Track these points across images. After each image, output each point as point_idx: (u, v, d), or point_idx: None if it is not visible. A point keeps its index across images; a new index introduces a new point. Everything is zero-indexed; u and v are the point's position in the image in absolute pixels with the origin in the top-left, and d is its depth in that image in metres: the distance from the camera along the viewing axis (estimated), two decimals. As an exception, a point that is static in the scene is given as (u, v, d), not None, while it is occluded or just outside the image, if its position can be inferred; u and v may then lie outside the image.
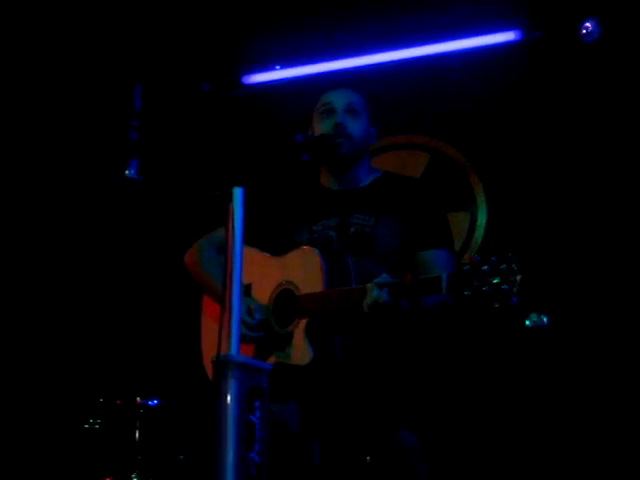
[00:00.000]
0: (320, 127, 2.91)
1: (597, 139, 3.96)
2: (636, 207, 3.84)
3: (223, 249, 2.77)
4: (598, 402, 3.72)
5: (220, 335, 2.08)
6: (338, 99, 2.93)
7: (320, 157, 2.92)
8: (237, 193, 2.20)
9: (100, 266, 4.57)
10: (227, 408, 2.03)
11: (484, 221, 4.23)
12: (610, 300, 3.79)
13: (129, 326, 4.49)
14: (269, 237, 2.93)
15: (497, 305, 2.25)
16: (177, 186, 4.54)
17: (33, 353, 4.36)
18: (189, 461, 3.83)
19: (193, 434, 3.89)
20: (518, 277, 2.23)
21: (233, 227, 2.16)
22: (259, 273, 2.83)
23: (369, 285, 2.51)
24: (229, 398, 2.04)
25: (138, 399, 3.77)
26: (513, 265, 2.24)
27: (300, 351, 2.66)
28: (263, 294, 2.84)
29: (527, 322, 3.79)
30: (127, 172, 2.61)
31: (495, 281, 2.24)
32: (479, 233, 4.22)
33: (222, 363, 2.06)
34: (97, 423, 3.84)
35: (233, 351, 2.09)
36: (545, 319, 3.78)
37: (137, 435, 3.74)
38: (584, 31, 3.93)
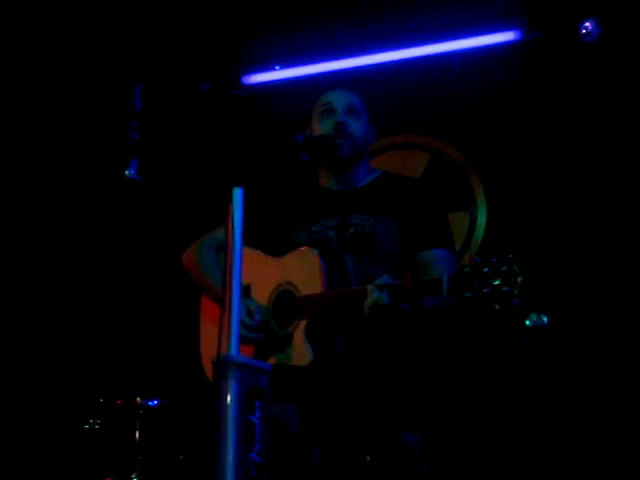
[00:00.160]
0: (320, 127, 2.91)
1: (597, 139, 3.97)
2: (636, 207, 3.84)
3: (222, 249, 2.78)
4: (598, 402, 3.72)
5: (220, 335, 2.08)
6: (338, 99, 2.93)
7: (320, 157, 2.92)
8: (237, 193, 2.20)
9: (100, 266, 4.57)
10: (227, 408, 2.03)
11: (484, 221, 4.23)
12: (610, 300, 3.79)
13: (129, 326, 4.49)
14: (268, 238, 2.93)
15: (498, 307, 2.25)
16: (177, 186, 4.54)
17: (33, 353, 4.36)
18: (189, 461, 3.83)
19: (193, 434, 3.89)
20: (519, 279, 2.23)
21: (233, 227, 2.16)
22: (258, 274, 2.83)
23: (369, 286, 2.51)
24: (229, 398, 2.04)
25: (138, 399, 3.78)
26: (514, 267, 2.24)
27: (300, 352, 2.66)
28: (262, 295, 2.83)
29: (527, 322, 3.79)
30: (127, 172, 2.61)
31: (496, 283, 2.24)
32: (479, 233, 4.22)
33: (222, 363, 2.06)
34: (97, 423, 3.84)
35: (233, 351, 2.09)
36: (545, 319, 3.78)
37: (137, 435, 3.74)
38: (584, 31, 3.93)
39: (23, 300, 4.39)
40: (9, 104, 4.40)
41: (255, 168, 2.33)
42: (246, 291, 2.83)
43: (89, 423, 3.85)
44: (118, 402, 3.81)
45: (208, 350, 2.93)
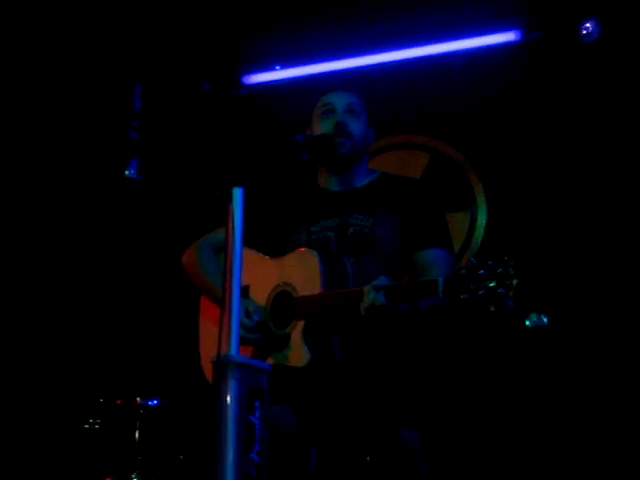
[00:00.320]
0: (320, 127, 2.91)
1: (597, 139, 3.96)
2: (636, 207, 3.84)
3: (222, 250, 2.79)
4: (598, 402, 3.72)
5: (220, 336, 2.08)
6: (338, 100, 2.94)
7: (319, 157, 2.92)
8: (237, 193, 2.20)
9: (100, 266, 4.57)
10: (227, 408, 2.03)
11: (484, 221, 4.23)
12: (610, 300, 3.79)
13: (129, 326, 4.49)
14: (268, 239, 2.93)
15: (493, 309, 2.25)
16: (177, 186, 4.54)
17: (33, 353, 4.36)
18: (189, 461, 3.83)
19: (193, 434, 3.89)
20: (514, 281, 2.23)
21: (233, 227, 2.16)
22: (257, 275, 2.83)
23: (366, 287, 2.51)
24: (229, 398, 2.04)
25: (138, 399, 3.78)
26: (510, 269, 2.24)
27: (297, 353, 2.66)
28: (261, 296, 2.83)
29: (527, 322, 3.79)
30: (127, 172, 2.61)
31: (491, 285, 2.24)
32: (479, 233, 4.22)
33: (222, 363, 2.06)
34: (97, 423, 3.84)
35: (233, 351, 2.09)
36: (545, 319, 3.78)
37: (137, 435, 3.74)
38: (584, 31, 3.93)
39: (23, 300, 4.39)
40: (9, 104, 4.40)
41: (255, 168, 2.33)
42: (245, 292, 2.83)
43: (89, 423, 3.85)
44: (118, 402, 3.81)
45: (207, 351, 2.93)
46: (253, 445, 2.06)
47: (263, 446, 2.07)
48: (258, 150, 4.34)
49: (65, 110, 4.51)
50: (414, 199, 2.86)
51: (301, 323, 2.68)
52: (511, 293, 2.23)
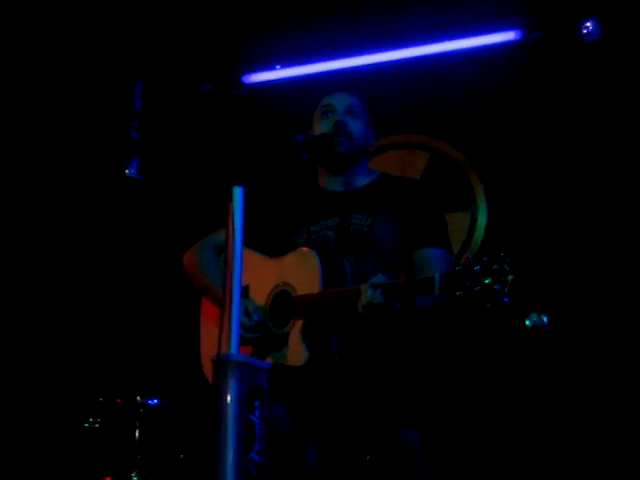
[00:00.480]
0: (320, 127, 2.93)
1: (597, 139, 3.96)
2: (636, 206, 3.84)
3: (222, 251, 2.79)
4: (598, 401, 3.72)
5: (220, 335, 2.08)
6: (338, 101, 2.96)
7: (319, 157, 2.93)
8: (237, 193, 2.20)
9: (100, 265, 4.57)
10: (227, 407, 2.03)
11: (484, 221, 4.23)
12: (610, 300, 3.79)
13: (129, 325, 4.50)
14: (268, 239, 2.94)
15: (489, 305, 2.25)
16: (177, 186, 4.54)
17: (33, 352, 4.36)
18: (189, 460, 3.83)
19: (193, 433, 3.89)
20: (509, 277, 2.23)
21: (233, 227, 2.16)
22: (257, 275, 2.83)
23: (363, 286, 2.51)
24: (229, 397, 2.04)
25: (138, 398, 3.78)
26: (505, 265, 2.24)
27: (296, 352, 2.67)
28: (261, 296, 2.84)
29: (527, 322, 3.79)
30: (127, 171, 2.61)
31: (487, 281, 2.24)
32: (479, 233, 4.22)
33: (222, 362, 2.07)
34: (97, 422, 3.84)
35: (233, 351, 2.09)
36: (545, 319, 3.78)
37: (137, 434, 3.74)
38: (584, 31, 3.93)
39: (23, 299, 4.39)
40: (9, 103, 4.40)
41: (255, 168, 2.33)
42: (245, 292, 2.84)
43: (89, 422, 3.85)
44: (118, 401, 3.81)
45: (208, 350, 2.94)
46: (253, 444, 2.06)
47: (263, 445, 2.07)
48: (258, 150, 4.34)
49: (66, 109, 4.51)
50: (413, 199, 2.86)
51: (300, 322, 2.68)
52: (506, 289, 2.23)
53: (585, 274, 3.86)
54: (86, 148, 4.53)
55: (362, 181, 2.96)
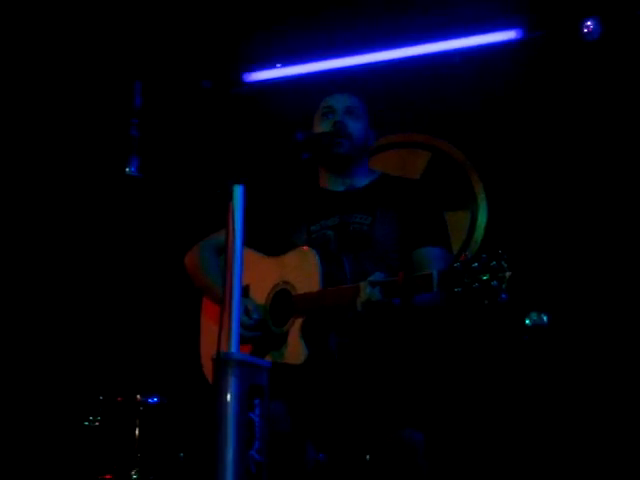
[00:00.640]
0: (320, 128, 2.94)
1: (598, 138, 3.96)
2: (636, 206, 3.84)
3: (223, 251, 2.79)
4: (598, 401, 3.72)
5: (220, 334, 2.08)
6: (338, 102, 2.97)
7: (319, 156, 2.93)
8: (237, 191, 2.20)
9: (100, 264, 4.57)
10: (227, 406, 2.03)
11: (484, 220, 4.23)
12: (611, 299, 3.79)
13: (129, 324, 4.50)
14: (268, 239, 2.94)
15: (487, 302, 2.25)
16: (177, 184, 4.54)
17: (33, 351, 4.36)
18: (189, 459, 3.83)
19: (193, 432, 3.89)
20: (507, 274, 2.23)
21: (233, 225, 2.16)
22: (257, 274, 2.84)
23: (362, 283, 2.52)
24: (229, 396, 2.04)
25: (138, 396, 3.78)
26: (502, 262, 2.24)
27: (295, 350, 2.67)
28: (261, 295, 2.85)
29: (527, 321, 3.79)
30: (127, 169, 2.61)
31: (485, 278, 2.25)
32: (479, 232, 4.22)
33: (222, 361, 2.07)
34: (97, 420, 3.84)
35: (233, 349, 2.09)
36: (545, 318, 3.78)
37: (137, 432, 3.74)
38: (585, 30, 3.93)
39: (24, 298, 4.39)
40: (9, 102, 4.40)
41: (256, 167, 2.33)
42: (245, 291, 2.84)
43: (89, 420, 3.85)
44: (118, 399, 3.81)
45: (208, 351, 2.94)
46: (253, 442, 2.06)
47: (263, 444, 2.07)
48: (259, 148, 4.34)
49: (65, 107, 4.51)
50: (413, 198, 2.88)
51: (299, 320, 2.69)
52: (504, 285, 2.23)
53: (585, 273, 3.86)
54: (86, 146, 4.52)
55: (362, 181, 2.97)
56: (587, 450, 3.68)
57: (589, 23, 3.93)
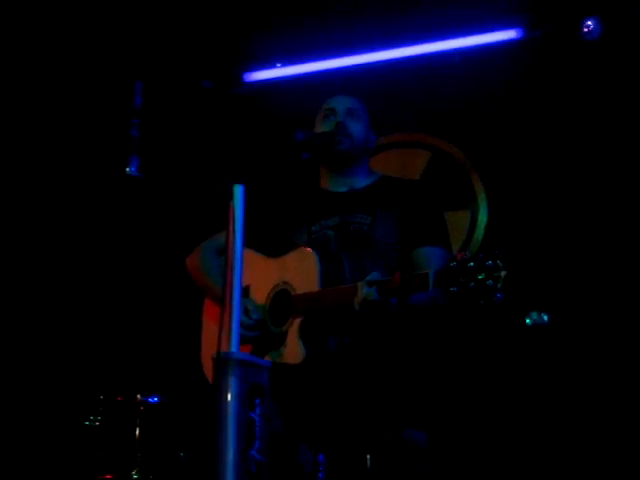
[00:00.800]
0: (321, 128, 2.96)
1: (598, 137, 3.96)
2: (637, 205, 3.84)
3: (224, 252, 2.80)
4: (599, 400, 3.72)
5: (220, 334, 2.08)
6: (339, 103, 2.99)
7: (320, 156, 2.93)
8: (238, 191, 2.20)
9: (101, 264, 4.57)
10: (227, 405, 2.03)
11: (485, 220, 4.23)
12: (611, 298, 3.79)
13: (129, 323, 4.50)
14: (269, 239, 2.95)
15: (482, 302, 2.25)
16: (178, 184, 4.54)
17: (34, 350, 4.36)
18: (189, 458, 3.83)
19: (193, 431, 3.89)
20: (502, 273, 2.23)
21: (233, 225, 2.16)
22: (257, 275, 2.85)
23: (360, 283, 2.53)
24: (229, 395, 2.04)
25: (138, 396, 3.78)
26: (498, 261, 2.24)
27: (293, 350, 2.67)
28: (261, 295, 2.86)
29: (527, 320, 3.79)
30: (128, 169, 2.61)
31: (480, 277, 2.25)
32: (479, 232, 4.22)
33: (223, 360, 2.07)
34: (97, 420, 3.84)
35: (233, 349, 2.09)
36: (545, 317, 3.78)
37: (137, 432, 3.74)
38: (585, 30, 3.93)
39: (24, 297, 4.39)
40: (10, 101, 4.40)
41: (256, 167, 2.33)
42: (245, 292, 2.85)
43: (89, 420, 3.85)
44: (118, 399, 3.81)
45: (208, 351, 2.94)
46: (253, 442, 2.06)
47: (263, 443, 2.07)
48: (259, 148, 4.34)
49: (66, 107, 4.51)
50: (413, 198, 2.89)
51: (298, 320, 2.69)
52: (499, 285, 2.22)
53: (586, 273, 3.86)
54: (87, 146, 4.52)
55: (363, 182, 2.98)
56: (588, 449, 3.68)
57: (589, 23, 3.93)
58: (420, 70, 4.34)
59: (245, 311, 2.78)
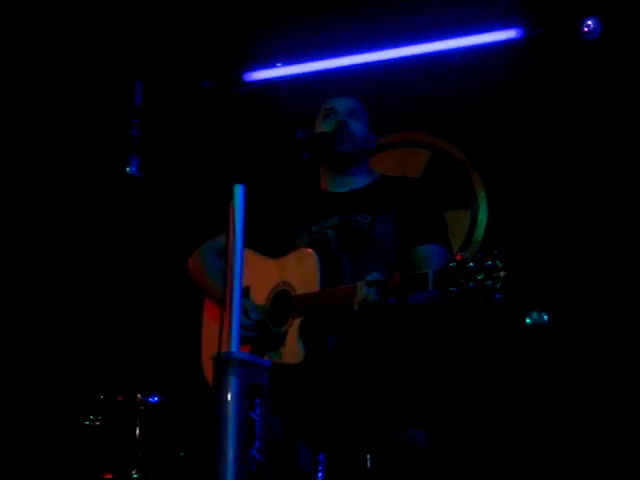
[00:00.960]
0: (322, 128, 2.95)
1: (598, 137, 3.97)
2: (637, 204, 3.84)
3: (225, 254, 2.80)
4: (600, 400, 3.72)
5: (220, 334, 2.09)
6: (339, 104, 2.99)
7: (320, 156, 2.93)
8: (238, 191, 2.20)
9: (101, 264, 4.57)
10: (228, 405, 2.04)
11: (485, 219, 4.23)
12: (611, 298, 3.80)
13: (130, 323, 4.50)
14: (270, 240, 2.95)
15: (482, 302, 2.25)
16: (178, 184, 4.54)
17: (34, 350, 4.36)
18: (189, 458, 3.84)
19: (194, 431, 3.89)
20: (502, 273, 2.23)
21: (234, 225, 2.16)
22: (258, 275, 2.85)
23: (359, 283, 2.53)
24: (230, 395, 2.04)
25: (139, 396, 3.78)
26: (497, 262, 2.24)
27: (292, 350, 2.68)
28: (261, 295, 2.86)
29: (528, 320, 3.79)
30: (128, 169, 2.61)
31: (479, 277, 2.24)
32: (480, 231, 4.22)
33: (223, 360, 2.07)
34: (98, 420, 3.84)
35: (234, 349, 2.09)
36: (546, 317, 3.79)
37: (137, 432, 3.75)
38: (585, 29, 3.93)
39: (24, 297, 4.40)
40: (10, 101, 4.40)
41: (256, 167, 2.33)
42: (245, 292, 2.85)
43: (89, 419, 3.85)
44: (119, 398, 3.81)
45: (208, 352, 2.94)
46: (253, 442, 2.06)
47: (263, 443, 2.07)
48: (259, 148, 4.34)
49: (66, 107, 4.51)
50: (413, 197, 2.88)
51: (297, 321, 2.70)
52: (498, 285, 2.22)
53: (586, 273, 3.86)
54: (86, 146, 4.53)
55: (363, 182, 2.98)
56: (588, 449, 3.68)
57: (589, 22, 3.93)
58: (420, 70, 4.34)
59: (244, 311, 2.78)
